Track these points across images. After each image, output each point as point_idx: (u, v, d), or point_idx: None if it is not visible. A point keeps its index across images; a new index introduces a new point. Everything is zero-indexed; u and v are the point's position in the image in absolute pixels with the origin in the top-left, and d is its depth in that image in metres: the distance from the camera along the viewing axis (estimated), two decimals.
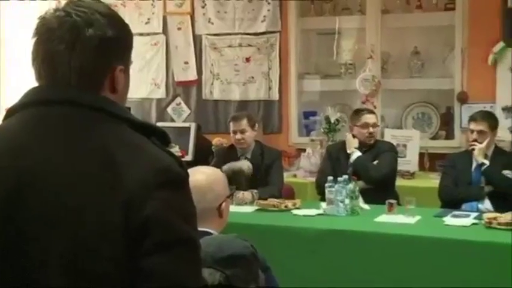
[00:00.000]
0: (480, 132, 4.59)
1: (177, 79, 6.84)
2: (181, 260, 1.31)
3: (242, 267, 1.89)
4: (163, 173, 1.32)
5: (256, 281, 1.96)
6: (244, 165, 4.86)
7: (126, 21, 1.49)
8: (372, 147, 4.97)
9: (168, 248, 1.29)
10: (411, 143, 5.86)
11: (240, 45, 6.60)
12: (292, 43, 6.44)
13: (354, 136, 4.97)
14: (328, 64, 6.49)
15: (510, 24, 5.64)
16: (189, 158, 6.07)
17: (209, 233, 2.26)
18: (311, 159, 5.91)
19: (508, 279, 3.42)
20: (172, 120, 6.85)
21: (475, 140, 4.60)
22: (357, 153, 4.88)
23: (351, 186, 4.26)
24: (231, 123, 5.00)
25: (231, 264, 1.86)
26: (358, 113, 5.09)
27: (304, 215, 4.25)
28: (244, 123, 4.92)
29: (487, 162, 4.55)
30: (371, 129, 4.94)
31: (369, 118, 4.97)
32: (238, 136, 4.92)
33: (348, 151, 4.93)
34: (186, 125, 6.47)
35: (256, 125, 5.09)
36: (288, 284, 3.14)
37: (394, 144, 5.39)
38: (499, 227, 3.73)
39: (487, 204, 4.52)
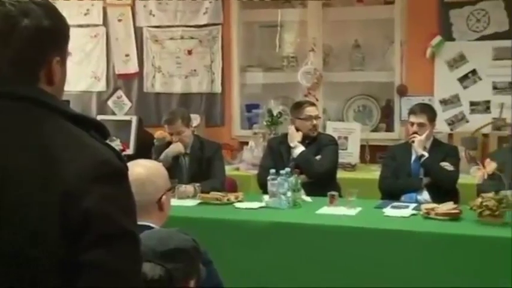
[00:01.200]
0: (419, 124, 4.68)
1: (117, 72, 6.75)
2: (121, 253, 1.30)
3: (183, 261, 1.88)
4: (102, 167, 1.31)
5: (197, 274, 1.95)
6: (178, 146, 4.85)
7: (65, 12, 1.47)
8: (314, 140, 5.00)
9: (107, 241, 1.28)
10: (352, 135, 5.93)
11: (182, 37, 6.55)
12: (234, 36, 6.43)
13: (297, 129, 4.98)
14: (271, 57, 6.51)
15: (447, 18, 5.77)
16: (130, 151, 6.00)
17: (150, 227, 2.24)
18: (254, 152, 5.91)
19: (444, 267, 3.50)
20: (113, 113, 6.77)
21: (415, 132, 4.68)
22: (300, 148, 4.89)
23: (293, 179, 4.27)
24: (166, 126, 4.93)
25: (172, 258, 1.85)
26: (300, 105, 5.10)
27: (246, 208, 4.25)
28: (178, 124, 4.85)
29: (426, 154, 4.63)
30: (314, 122, 4.96)
31: (311, 110, 4.99)
32: (176, 138, 4.88)
33: (291, 144, 4.93)
34: (127, 118, 6.40)
35: (196, 120, 5.03)
36: (230, 277, 3.12)
37: (336, 136, 5.44)
38: (436, 217, 3.81)
39: (425, 195, 4.61)
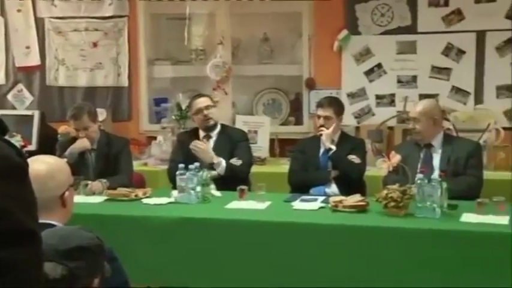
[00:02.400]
0: (327, 118, 4.72)
1: (18, 64, 6.53)
2: (21, 253, 1.25)
3: (87, 259, 1.82)
4: (1, 163, 1.26)
5: (101, 272, 1.89)
6: (84, 142, 4.73)
7: None
8: (223, 133, 4.96)
9: (6, 240, 1.23)
10: (262, 129, 5.95)
11: (87, 29, 6.38)
12: (141, 28, 6.32)
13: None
14: (179, 50, 6.44)
15: (353, 12, 5.87)
16: (32, 147, 5.79)
17: (52, 225, 2.17)
18: (162, 146, 5.85)
19: (351, 259, 3.55)
20: (14, 107, 6.53)
21: (322, 126, 4.72)
22: (222, 164, 4.73)
23: (202, 173, 4.23)
24: (72, 121, 4.78)
25: (75, 257, 1.79)
26: (192, 100, 5.07)
27: (154, 204, 4.17)
28: (85, 120, 4.72)
29: (334, 147, 4.68)
30: (205, 112, 4.90)
31: (200, 102, 4.94)
32: (82, 134, 4.74)
33: (214, 161, 4.75)
34: (29, 112, 6.18)
35: (102, 114, 4.90)
36: (139, 274, 3.06)
37: (246, 130, 5.44)
38: (344, 209, 3.86)
39: (333, 188, 4.66)
